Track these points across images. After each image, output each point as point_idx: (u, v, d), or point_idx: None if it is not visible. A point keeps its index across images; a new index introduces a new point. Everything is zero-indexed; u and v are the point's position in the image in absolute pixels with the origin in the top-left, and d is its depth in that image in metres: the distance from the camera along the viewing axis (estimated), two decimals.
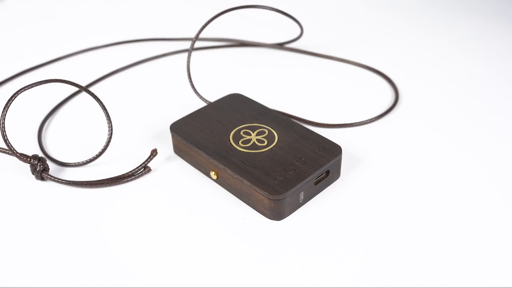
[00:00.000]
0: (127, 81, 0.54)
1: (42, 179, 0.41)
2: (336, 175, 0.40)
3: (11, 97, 0.40)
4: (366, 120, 0.47)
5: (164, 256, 0.34)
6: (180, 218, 0.37)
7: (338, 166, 0.40)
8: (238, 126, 0.42)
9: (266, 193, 0.36)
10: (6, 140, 0.40)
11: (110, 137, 0.42)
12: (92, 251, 0.35)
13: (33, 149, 0.45)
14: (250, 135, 0.41)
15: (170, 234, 0.36)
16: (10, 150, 0.40)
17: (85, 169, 0.43)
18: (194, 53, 0.59)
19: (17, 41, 0.63)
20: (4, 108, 0.40)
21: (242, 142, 0.41)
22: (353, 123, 0.46)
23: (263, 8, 0.50)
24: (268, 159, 0.39)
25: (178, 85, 0.53)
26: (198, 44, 0.61)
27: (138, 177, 0.41)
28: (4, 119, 0.40)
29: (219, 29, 0.63)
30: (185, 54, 0.59)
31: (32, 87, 0.40)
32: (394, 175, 0.41)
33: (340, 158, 0.39)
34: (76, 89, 0.53)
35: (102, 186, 0.40)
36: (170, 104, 0.50)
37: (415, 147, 0.44)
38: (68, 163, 0.43)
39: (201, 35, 0.61)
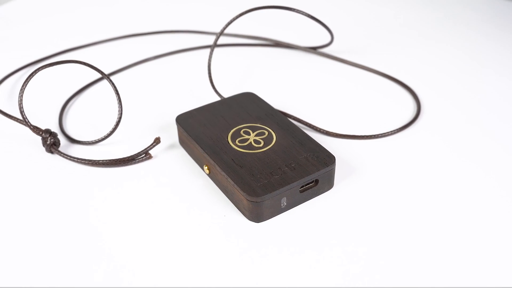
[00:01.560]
0: (153, 71, 0.56)
1: (51, 152, 0.44)
2: (328, 185, 0.39)
3: (32, 73, 0.43)
4: (378, 134, 0.45)
5: (137, 244, 0.35)
6: (165, 208, 0.38)
7: (329, 177, 0.39)
8: (240, 125, 0.43)
9: (245, 193, 0.36)
10: (22, 112, 0.43)
11: (119, 120, 0.44)
12: (75, 226, 0.37)
13: (52, 125, 0.48)
14: (249, 134, 0.42)
15: (151, 223, 0.37)
16: (24, 121, 0.43)
17: (93, 148, 0.45)
18: (227, 49, 0.59)
19: (45, 30, 0.67)
20: (24, 82, 0.43)
21: (239, 141, 0.41)
22: (364, 136, 0.45)
23: (297, 12, 0.50)
24: (258, 160, 0.39)
25: (202, 79, 0.54)
26: (231, 40, 0.61)
27: (138, 162, 0.43)
28: (23, 93, 0.43)
29: (254, 27, 0.63)
30: (218, 49, 0.60)
31: (52, 66, 0.43)
32: (389, 192, 0.39)
33: (333, 169, 0.39)
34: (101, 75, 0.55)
35: (102, 166, 0.42)
36: (189, 97, 0.52)
37: (428, 165, 0.42)
38: (79, 140, 0.45)
39: (237, 32, 0.62)
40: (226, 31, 0.63)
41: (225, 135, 0.42)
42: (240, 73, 0.55)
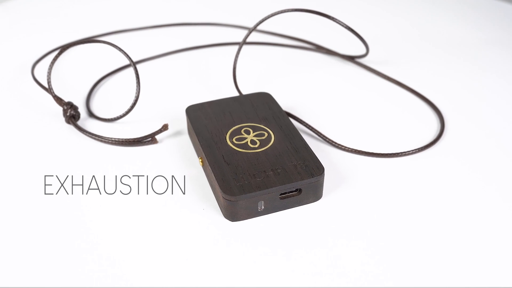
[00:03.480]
0: (185, 62, 0.58)
1: (69, 123, 0.47)
2: (313, 196, 0.38)
3: (63, 47, 0.46)
4: (392, 153, 0.43)
5: (116, 226, 0.37)
6: (147, 194, 0.39)
7: (315, 187, 0.38)
8: (244, 123, 0.43)
9: (222, 191, 0.36)
10: (49, 82, 0.46)
11: (135, 102, 0.46)
12: (63, 196, 0.39)
13: (79, 100, 0.51)
14: (249, 134, 0.42)
15: (128, 208, 0.38)
16: (49, 91, 0.46)
17: (108, 125, 0.47)
18: (268, 48, 0.60)
19: (92, 12, 0.70)
20: (57, 54, 0.46)
21: (236, 139, 0.41)
22: (378, 154, 0.43)
23: (335, 21, 0.49)
24: (247, 160, 0.39)
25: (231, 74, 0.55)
26: (275, 39, 0.61)
27: (143, 145, 0.45)
28: (53, 64, 0.46)
29: (296, 28, 0.63)
30: (257, 47, 0.60)
31: (81, 43, 0.45)
32: (380, 212, 0.37)
33: (319, 180, 0.38)
34: (140, 58, 0.58)
35: (109, 143, 0.45)
36: (213, 90, 0.52)
37: (440, 193, 0.39)
38: (97, 116, 0.48)
39: (282, 31, 0.62)
40: (270, 30, 0.63)
41: (225, 131, 0.42)
42: (272, 73, 0.55)
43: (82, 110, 0.49)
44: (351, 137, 0.46)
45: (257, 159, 0.39)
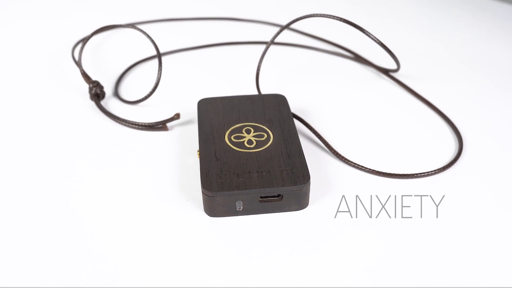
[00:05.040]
0: (217, 56, 0.59)
1: (93, 101, 0.49)
2: (296, 204, 0.38)
3: (96, 30, 0.48)
4: (394, 174, 0.41)
5: (105, 209, 0.39)
6: (144, 178, 0.41)
7: (298, 196, 0.37)
8: (247, 122, 0.43)
9: (201, 185, 0.37)
10: (79, 59, 0.49)
11: (154, 88, 0.48)
12: (57, 169, 0.42)
13: (110, 80, 0.53)
14: (249, 133, 0.42)
15: (124, 188, 0.40)
16: (79, 67, 0.49)
17: (129, 107, 0.49)
18: (308, 52, 0.59)
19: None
20: (87, 37, 0.49)
21: (234, 137, 0.41)
22: (379, 172, 0.41)
23: (368, 35, 0.48)
24: (237, 159, 0.39)
25: (264, 72, 0.55)
26: (316, 44, 0.61)
27: (154, 130, 0.46)
28: (85, 44, 0.49)
29: (334, 33, 0.61)
30: (300, 49, 0.60)
31: (114, 28, 0.48)
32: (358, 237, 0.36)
33: (303, 189, 0.37)
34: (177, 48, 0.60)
35: (122, 124, 0.47)
36: (240, 85, 0.53)
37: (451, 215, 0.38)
38: (121, 97, 0.50)
39: (327, 38, 0.61)
40: (311, 32, 0.62)
41: (227, 127, 0.42)
42: (301, 75, 0.55)
43: (109, 90, 0.52)
44: (360, 151, 0.44)
45: (247, 159, 0.39)
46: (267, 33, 0.63)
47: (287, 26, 0.50)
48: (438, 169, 0.42)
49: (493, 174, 0.41)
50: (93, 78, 0.54)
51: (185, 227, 0.37)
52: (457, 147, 0.45)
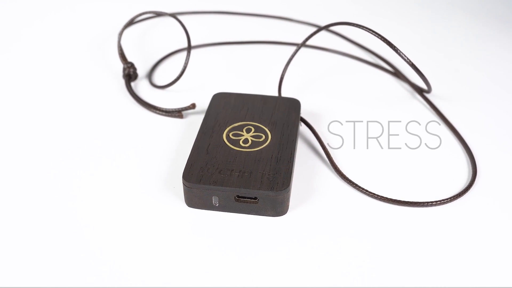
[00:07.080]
0: (249, 53, 0.59)
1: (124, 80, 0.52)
2: (271, 210, 0.38)
3: (137, 14, 0.51)
4: (393, 199, 0.40)
5: (88, 193, 0.41)
6: (138, 162, 0.43)
7: (274, 202, 0.37)
8: (251, 122, 0.43)
9: (182, 175, 0.38)
10: (119, 40, 0.52)
11: (180, 75, 0.50)
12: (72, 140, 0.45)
13: (145, 65, 0.56)
14: (248, 133, 0.42)
15: (115, 171, 0.42)
16: (118, 47, 0.52)
17: (156, 91, 0.52)
18: (354, 62, 0.58)
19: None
20: (129, 20, 0.52)
21: (233, 134, 0.42)
22: (377, 196, 0.40)
23: (399, 54, 0.46)
24: (226, 156, 0.40)
25: (290, 73, 0.55)
26: (359, 53, 0.59)
27: (169, 116, 0.48)
28: (125, 27, 0.52)
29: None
30: (336, 56, 0.59)
31: (157, 15, 0.50)
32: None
33: (279, 196, 0.37)
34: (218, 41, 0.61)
35: (142, 105, 0.49)
36: (263, 86, 0.53)
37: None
38: (151, 82, 0.53)
39: (372, 47, 0.59)
40: (365, 44, 0.61)
41: (229, 124, 0.43)
42: (335, 84, 0.54)
43: (143, 73, 0.54)
44: (363, 171, 0.43)
45: (236, 157, 0.40)
46: (302, 34, 0.63)
47: (307, 39, 0.49)
48: (436, 201, 0.39)
49: (505, 207, 0.38)
50: (132, 60, 0.57)
51: (162, 214, 0.38)
52: (470, 176, 0.42)
